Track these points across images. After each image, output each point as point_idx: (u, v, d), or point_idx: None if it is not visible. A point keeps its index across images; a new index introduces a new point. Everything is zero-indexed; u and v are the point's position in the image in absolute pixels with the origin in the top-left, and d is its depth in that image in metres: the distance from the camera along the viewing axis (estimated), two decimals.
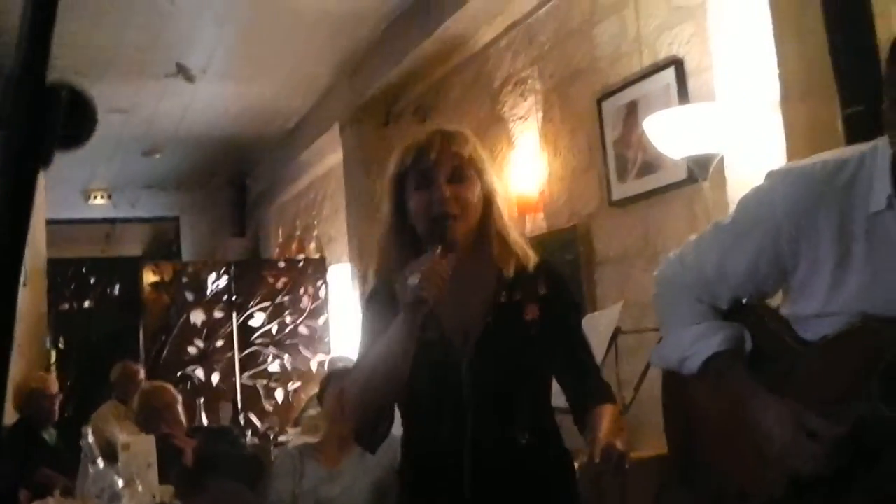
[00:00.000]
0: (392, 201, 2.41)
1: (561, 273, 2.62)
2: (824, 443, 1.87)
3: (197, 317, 8.97)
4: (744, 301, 2.12)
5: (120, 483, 2.38)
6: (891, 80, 1.82)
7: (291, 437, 7.30)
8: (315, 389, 5.80)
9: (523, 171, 6.12)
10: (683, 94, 4.64)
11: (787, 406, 1.94)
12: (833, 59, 3.36)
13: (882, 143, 1.87)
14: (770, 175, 1.99)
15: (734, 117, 3.59)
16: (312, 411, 6.52)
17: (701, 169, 3.92)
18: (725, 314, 2.10)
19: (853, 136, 3.06)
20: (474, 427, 2.36)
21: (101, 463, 2.44)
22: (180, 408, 5.08)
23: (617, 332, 3.92)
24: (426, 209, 2.33)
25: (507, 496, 2.40)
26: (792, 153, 3.38)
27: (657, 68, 4.85)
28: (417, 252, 2.33)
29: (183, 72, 7.61)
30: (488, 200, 2.40)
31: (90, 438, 2.48)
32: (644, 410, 3.83)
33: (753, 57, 3.52)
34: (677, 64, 4.70)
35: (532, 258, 2.44)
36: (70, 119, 0.79)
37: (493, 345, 2.39)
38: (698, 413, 2.21)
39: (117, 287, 9.62)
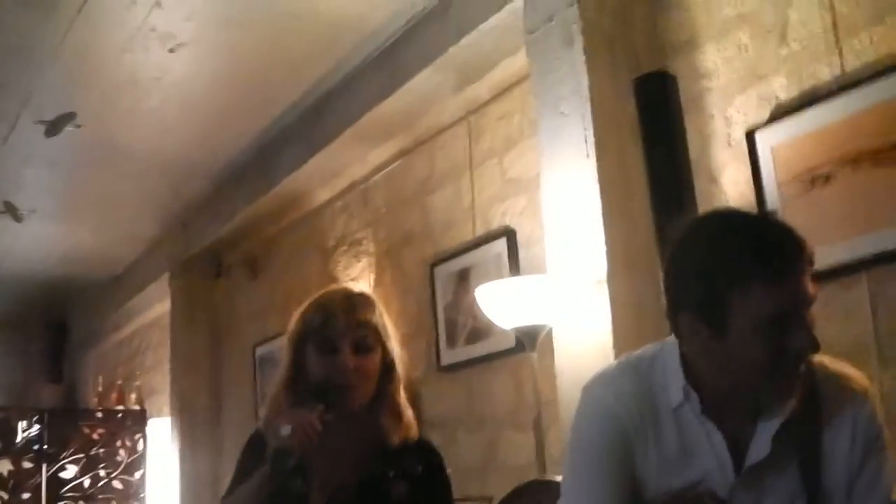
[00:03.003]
0: (291, 357, 2.44)
1: (439, 454, 2.57)
2: None
3: (3, 466, 8.53)
4: None
5: None
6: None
7: None
8: None
9: None
10: (514, 264, 4.75)
11: None
12: (658, 237, 3.52)
13: (670, 340, 1.96)
14: (586, 390, 2.03)
15: (563, 290, 3.68)
16: None
17: (529, 340, 3.99)
18: None
19: None
20: None
21: None
22: None
23: None
24: (327, 376, 2.35)
25: None
26: (617, 325, 3.48)
27: (490, 237, 4.96)
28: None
29: (11, 211, 7.40)
30: (388, 367, 2.43)
31: None
32: None
33: (582, 232, 3.64)
34: (509, 234, 4.82)
35: (415, 433, 2.45)
36: None
37: None
38: None
39: None
